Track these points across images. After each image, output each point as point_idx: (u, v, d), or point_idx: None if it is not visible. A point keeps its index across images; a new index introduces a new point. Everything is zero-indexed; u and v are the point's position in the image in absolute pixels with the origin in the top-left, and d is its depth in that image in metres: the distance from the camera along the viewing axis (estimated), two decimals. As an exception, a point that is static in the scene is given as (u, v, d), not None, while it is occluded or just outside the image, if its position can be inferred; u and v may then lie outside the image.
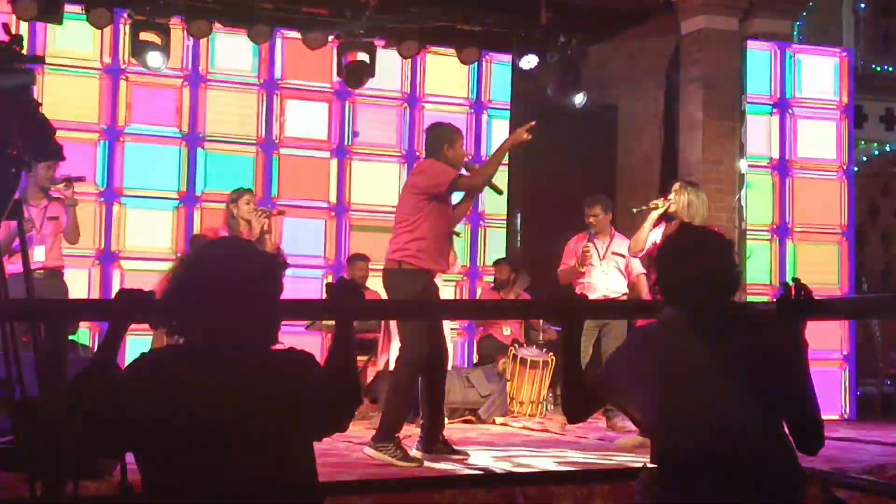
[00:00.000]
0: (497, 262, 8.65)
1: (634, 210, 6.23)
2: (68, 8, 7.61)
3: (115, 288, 7.60)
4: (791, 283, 2.63)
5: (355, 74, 8.37)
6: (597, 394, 2.70)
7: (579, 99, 9.00)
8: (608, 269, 6.77)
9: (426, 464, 5.09)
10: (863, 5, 9.08)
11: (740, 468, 2.36)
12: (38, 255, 6.23)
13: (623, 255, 6.69)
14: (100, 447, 2.28)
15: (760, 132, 8.24)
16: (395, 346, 6.66)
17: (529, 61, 8.82)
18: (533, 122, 5.38)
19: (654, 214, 5.92)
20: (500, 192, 5.75)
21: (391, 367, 6.65)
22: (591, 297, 6.63)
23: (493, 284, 8.57)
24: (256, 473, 2.15)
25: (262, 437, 2.16)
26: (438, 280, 5.60)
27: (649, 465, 2.52)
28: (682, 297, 2.55)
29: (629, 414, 2.62)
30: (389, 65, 8.67)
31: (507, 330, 8.32)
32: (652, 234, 5.94)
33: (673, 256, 2.61)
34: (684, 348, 2.44)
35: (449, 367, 6.60)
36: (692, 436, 2.38)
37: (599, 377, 2.69)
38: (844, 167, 8.35)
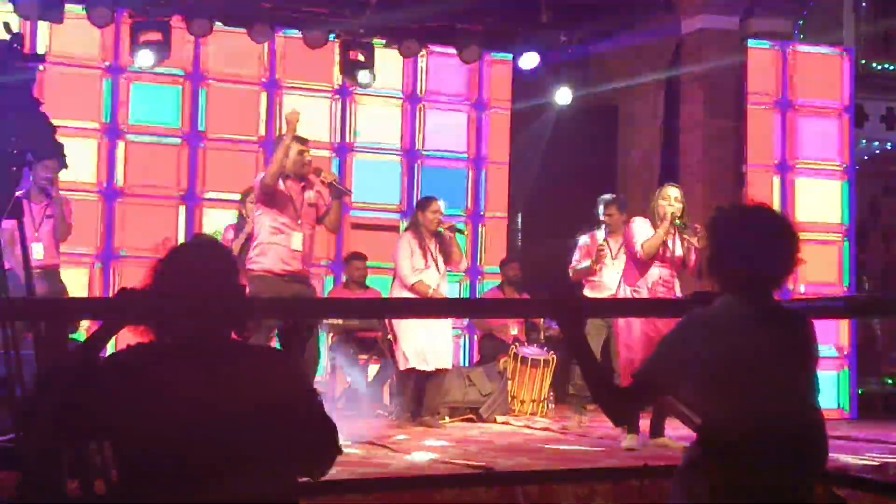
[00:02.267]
0: (507, 262, 8.54)
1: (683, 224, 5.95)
2: (69, 7, 7.61)
3: (115, 288, 7.61)
4: None
5: (356, 73, 8.37)
6: (644, 387, 2.62)
7: (564, 96, 8.99)
8: (620, 269, 6.74)
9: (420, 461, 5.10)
10: (863, 4, 9.06)
11: (790, 455, 2.42)
12: (37, 253, 6.22)
13: None
14: (67, 433, 2.28)
15: (761, 131, 8.23)
16: (404, 345, 6.67)
17: (530, 60, 8.83)
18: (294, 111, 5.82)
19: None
20: (346, 192, 6.07)
21: (401, 366, 6.74)
22: (601, 295, 6.66)
23: (499, 286, 8.51)
24: (230, 471, 2.14)
25: (238, 433, 2.15)
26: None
27: (694, 446, 2.54)
28: (752, 283, 2.54)
29: (680, 398, 2.66)
30: (390, 64, 8.66)
31: (514, 329, 8.27)
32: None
33: (766, 242, 2.55)
34: (746, 335, 2.48)
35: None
36: (748, 420, 2.42)
37: (649, 365, 2.60)
38: (845, 166, 8.34)
